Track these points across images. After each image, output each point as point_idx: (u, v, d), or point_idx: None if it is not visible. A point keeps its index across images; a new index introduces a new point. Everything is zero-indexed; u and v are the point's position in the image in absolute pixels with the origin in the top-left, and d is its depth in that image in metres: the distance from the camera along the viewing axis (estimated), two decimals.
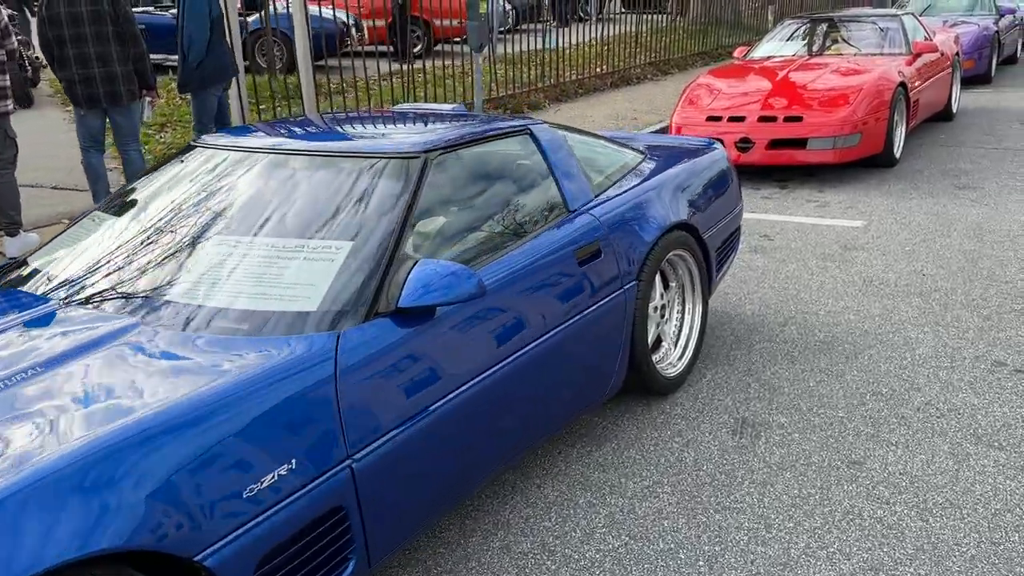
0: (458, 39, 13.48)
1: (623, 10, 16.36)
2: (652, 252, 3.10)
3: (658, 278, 3.28)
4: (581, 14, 19.77)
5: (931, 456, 2.83)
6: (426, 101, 8.49)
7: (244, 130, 2.91)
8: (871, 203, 5.97)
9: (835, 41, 8.16)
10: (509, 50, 10.62)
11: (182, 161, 2.80)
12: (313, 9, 11.23)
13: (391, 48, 13.41)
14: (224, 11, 6.17)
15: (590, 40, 12.06)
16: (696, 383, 3.42)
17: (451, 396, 2.21)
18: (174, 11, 10.58)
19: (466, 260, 2.42)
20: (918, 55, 7.68)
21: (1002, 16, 12.29)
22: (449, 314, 2.25)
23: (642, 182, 3.28)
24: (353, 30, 11.95)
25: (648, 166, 3.49)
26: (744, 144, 6.61)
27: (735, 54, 8.64)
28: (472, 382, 2.28)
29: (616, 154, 3.46)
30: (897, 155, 7.05)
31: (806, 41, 8.25)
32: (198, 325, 2.05)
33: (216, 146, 2.77)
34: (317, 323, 2.05)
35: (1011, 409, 3.11)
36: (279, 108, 7.89)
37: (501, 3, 17.09)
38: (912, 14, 8.49)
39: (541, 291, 2.56)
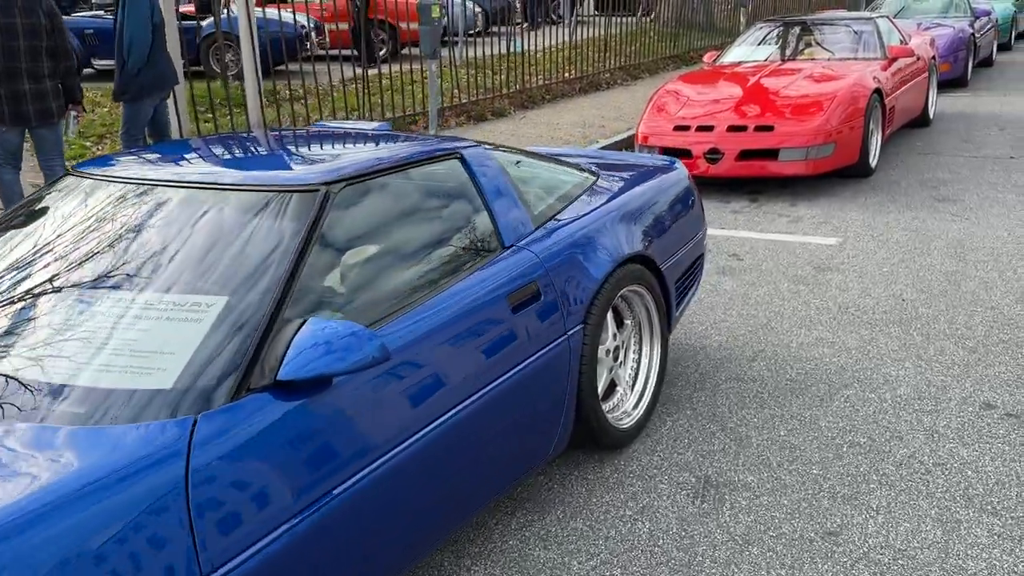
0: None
1: (595, 13, 16.03)
2: (601, 291, 2.73)
3: (611, 316, 2.92)
4: (553, 17, 19.45)
5: (916, 524, 2.49)
6: (383, 109, 8.10)
7: (127, 155, 2.52)
8: (846, 218, 5.65)
9: (808, 45, 7.86)
10: (477, 54, 10.27)
11: (52, 193, 2.41)
12: (272, 12, 10.82)
13: (355, 52, 13.03)
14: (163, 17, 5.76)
15: (560, 44, 11.73)
16: (655, 432, 3.07)
17: (350, 483, 1.83)
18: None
19: (376, 314, 2.05)
20: (893, 60, 7.39)
21: (977, 18, 12.09)
22: (350, 380, 1.88)
23: (591, 210, 2.92)
24: (313, 34, 11.54)
25: (600, 190, 3.13)
26: (713, 155, 6.28)
27: (705, 59, 8.32)
28: (380, 461, 1.90)
29: (563, 177, 3.10)
30: (873, 165, 6.75)
31: (778, 45, 7.95)
32: (11, 410, 1.66)
33: (91, 175, 2.37)
34: (171, 405, 1.66)
35: (1004, 463, 2.78)
36: (221, 117, 7.47)
37: (470, 6, 16.77)
38: (887, 17, 8.21)
39: (467, 345, 2.19)
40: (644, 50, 13.23)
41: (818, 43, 7.84)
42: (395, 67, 9.67)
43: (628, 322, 3.08)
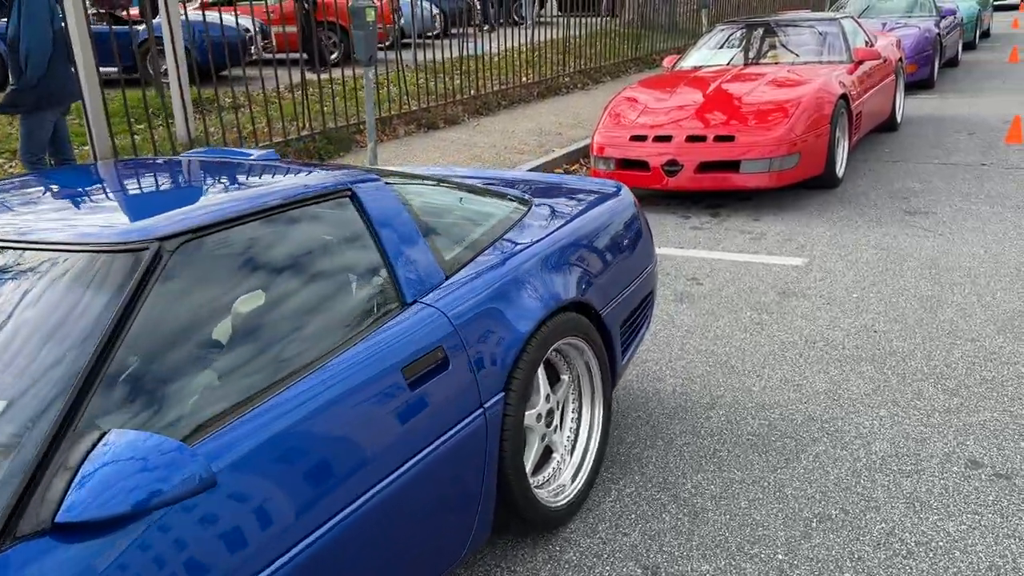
0: (383, 45, 12.60)
1: (559, 13, 15.61)
2: (527, 349, 2.31)
3: (543, 373, 2.50)
4: (516, 18, 19.03)
5: None
6: (325, 117, 7.62)
7: None
8: (812, 234, 5.29)
9: (771, 48, 7.51)
10: (437, 56, 9.82)
11: None
12: (213, 16, 10.29)
13: (304, 56, 12.51)
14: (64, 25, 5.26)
15: (520, 46, 11.32)
16: (597, 506, 2.65)
17: None
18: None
19: (220, 409, 1.61)
20: (860, 63, 7.06)
21: (943, 17, 11.85)
22: (174, 511, 1.43)
23: (519, 249, 2.50)
24: (258, 38, 11.02)
25: (531, 224, 2.71)
26: (671, 167, 5.89)
27: (664, 63, 7.95)
28: None
29: (488, 209, 2.68)
30: (840, 175, 6.40)
31: (740, 48, 7.59)
32: None
33: None
34: None
35: (996, 540, 2.40)
36: (147, 131, 6.95)
37: (427, 7, 16.30)
38: (852, 17, 7.89)
39: (346, 438, 1.76)
40: (606, 52, 12.86)
41: (782, 46, 7.50)
42: (348, 72, 9.19)
43: (565, 378, 2.66)
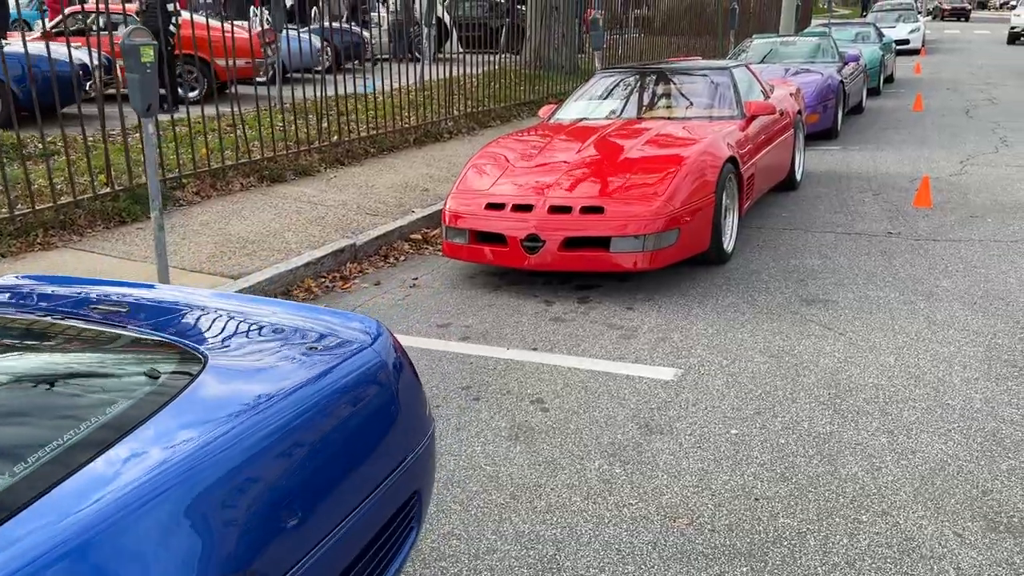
0: (260, 80, 11.40)
1: (461, 50, 14.65)
2: None
3: None
4: (416, 54, 18.08)
5: None
6: (164, 164, 6.41)
7: None
8: (692, 330, 4.36)
9: (656, 100, 6.66)
10: (314, 95, 8.70)
11: None
12: (54, 46, 8.98)
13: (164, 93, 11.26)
14: None
15: (410, 85, 10.34)
16: None
17: None
18: None
19: None
20: (752, 118, 6.25)
21: (846, 63, 11.34)
22: None
23: (145, 474, 1.42)
24: (98, 73, 9.73)
25: (189, 410, 1.64)
26: (532, 243, 4.91)
27: (541, 113, 7.03)
28: None
29: (107, 381, 1.60)
30: (729, 249, 5.53)
31: (622, 99, 6.72)
32: None
33: None
34: None
35: None
36: None
37: (314, 40, 15.16)
38: (745, 66, 7.12)
39: None
40: (500, 94, 11.97)
41: (668, 97, 6.66)
42: (211, 110, 7.95)
43: None
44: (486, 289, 5.19)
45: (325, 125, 8.54)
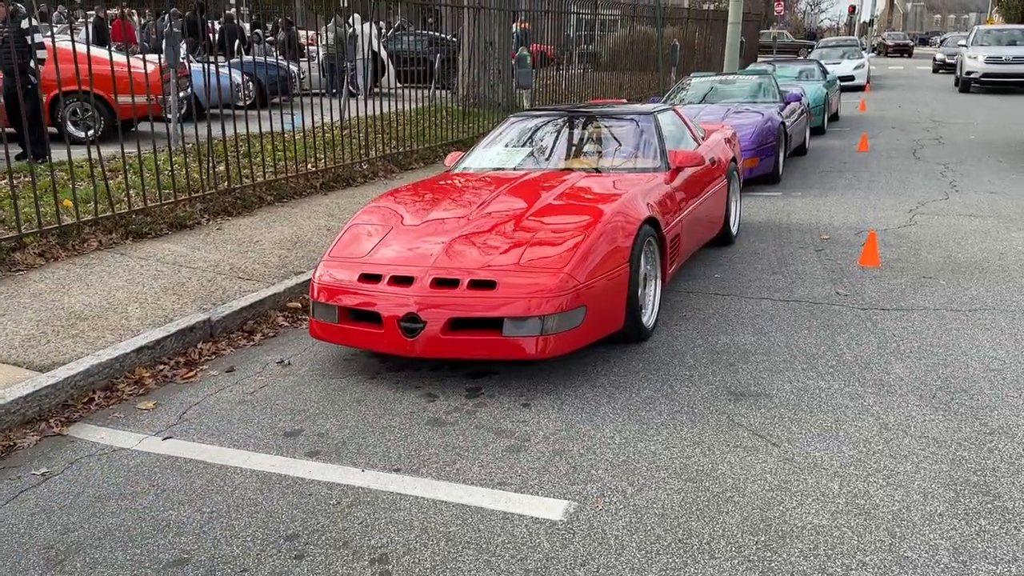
0: (170, 118, 10.44)
1: (399, 85, 13.83)
2: None
3: None
4: (351, 88, 17.24)
5: None
6: (18, 219, 5.46)
7: None
8: (595, 439, 3.55)
9: (572, 148, 5.90)
10: (235, 132, 7.81)
11: None
12: None
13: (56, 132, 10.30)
14: None
15: (332, 123, 9.52)
16: None
17: None
18: None
19: None
20: (678, 170, 5.52)
21: (787, 103, 10.78)
22: None
23: None
24: None
25: None
26: (411, 324, 4.08)
27: (447, 161, 6.23)
28: None
29: None
30: (650, 324, 4.76)
31: (534, 147, 5.95)
32: None
33: None
34: None
35: None
36: None
37: (235, 75, 14.22)
38: (673, 109, 6.41)
39: None
40: (428, 132, 11.17)
41: (585, 145, 5.91)
42: (108, 151, 6.99)
43: None
44: (362, 377, 4.33)
45: (222, 168, 7.66)
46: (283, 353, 4.72)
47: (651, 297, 4.82)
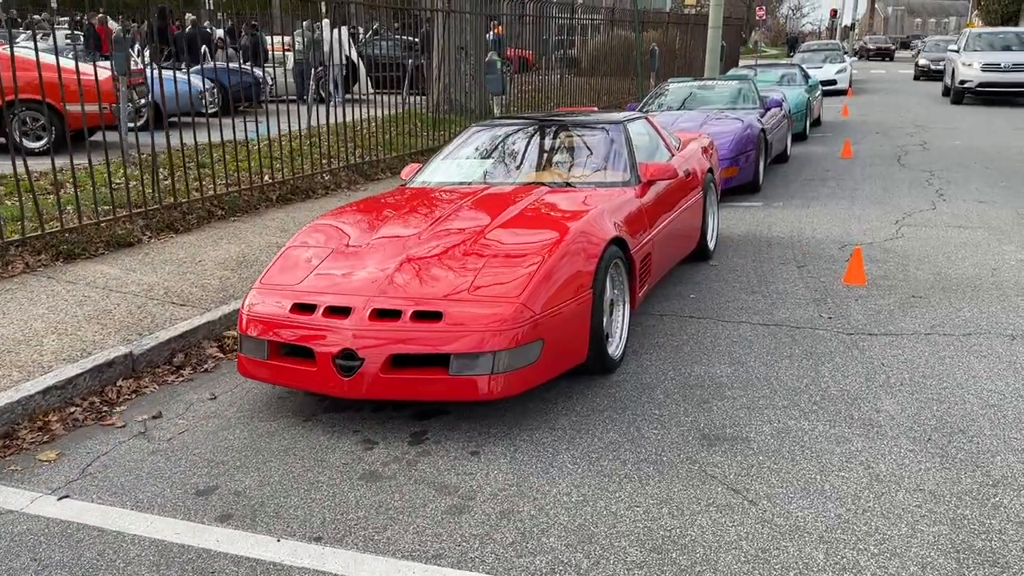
0: (130, 126, 9.95)
1: (373, 91, 13.37)
2: None
3: None
4: (323, 94, 16.75)
5: None
6: None
7: None
8: (549, 495, 3.11)
9: (537, 160, 5.48)
10: (198, 140, 7.34)
11: None
12: None
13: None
14: None
15: (302, 130, 9.08)
16: None
17: None
18: None
19: None
20: (649, 184, 5.12)
21: (768, 109, 10.41)
22: None
23: None
24: None
25: None
26: (347, 361, 3.64)
27: (403, 173, 5.80)
28: None
29: None
30: (617, 355, 4.34)
31: (498, 159, 5.53)
32: None
33: None
34: None
35: None
36: None
37: (195, 81, 13.73)
38: (645, 118, 6.01)
39: None
40: (397, 141, 10.73)
41: (550, 157, 5.49)
42: (61, 161, 6.51)
43: None
44: (295, 419, 3.89)
45: (170, 183, 7.20)
46: (212, 390, 4.28)
47: (619, 325, 4.40)
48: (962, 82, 20.10)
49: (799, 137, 13.57)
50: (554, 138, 5.64)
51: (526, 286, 3.71)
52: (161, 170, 8.06)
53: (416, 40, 14.40)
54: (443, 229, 4.33)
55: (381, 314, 3.71)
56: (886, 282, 5.76)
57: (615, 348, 4.31)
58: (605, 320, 4.16)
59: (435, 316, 3.65)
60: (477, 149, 5.65)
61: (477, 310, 3.64)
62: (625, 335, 4.44)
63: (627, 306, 4.47)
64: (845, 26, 52.04)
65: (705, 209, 6.21)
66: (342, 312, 3.77)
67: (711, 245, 6.48)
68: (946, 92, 22.35)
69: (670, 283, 5.86)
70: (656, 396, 4.00)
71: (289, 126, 8.93)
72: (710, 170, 6.46)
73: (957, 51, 21.33)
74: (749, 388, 4.06)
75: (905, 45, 69.03)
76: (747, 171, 8.87)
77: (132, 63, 10.29)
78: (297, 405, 4.05)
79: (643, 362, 4.44)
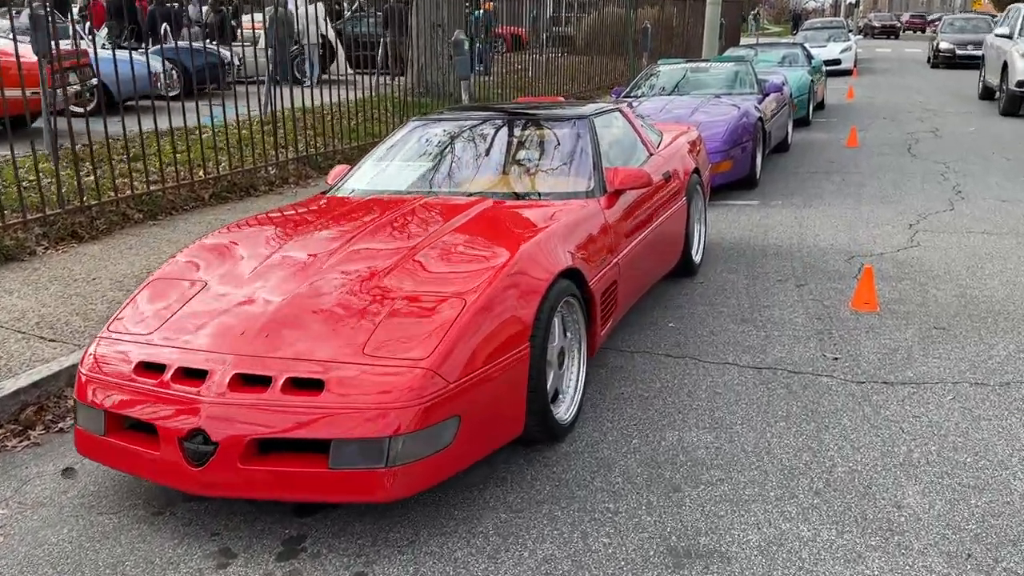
0: (78, 111, 9.00)
1: (351, 71, 12.38)
2: None
3: None
4: (297, 75, 15.73)
5: None
6: None
7: None
8: None
9: (483, 164, 4.55)
10: (158, 127, 6.44)
11: None
12: None
13: None
14: None
15: (267, 114, 8.18)
16: None
17: None
18: None
19: None
20: (618, 193, 4.20)
21: (767, 94, 9.45)
22: None
23: None
24: None
25: None
26: (199, 445, 2.74)
27: (329, 178, 4.86)
28: None
29: None
30: (567, 418, 3.44)
31: (436, 162, 4.61)
32: None
33: None
34: None
35: None
36: None
37: (153, 62, 12.72)
38: (619, 110, 5.07)
39: None
40: (361, 127, 9.78)
41: (499, 159, 4.56)
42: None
43: None
44: (144, 512, 3.01)
45: (92, 179, 6.29)
46: (63, 461, 3.39)
47: (571, 379, 3.50)
48: (1021, 83, 13.11)
49: (801, 122, 12.62)
50: (508, 137, 4.71)
51: (436, 345, 2.80)
52: (86, 164, 7.16)
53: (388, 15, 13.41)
54: (352, 252, 3.43)
55: (246, 380, 2.81)
56: (902, 308, 4.85)
57: (565, 410, 3.42)
58: (551, 376, 3.27)
59: (315, 385, 2.75)
60: (415, 150, 4.72)
61: (371, 377, 2.73)
62: (580, 391, 3.54)
63: (582, 354, 3.57)
64: (850, 3, 50.73)
65: (690, 217, 5.29)
66: (197, 376, 2.87)
67: (697, 258, 5.56)
68: (987, 94, 15.66)
69: (647, 306, 4.96)
70: (613, 480, 3.11)
71: (248, 111, 8.02)
72: (696, 170, 5.52)
73: (1010, 35, 13.99)
74: (733, 468, 3.17)
75: (918, 26, 59.54)
76: (742, 165, 7.93)
77: (76, 43, 9.33)
78: (153, 490, 3.16)
79: (602, 423, 3.55)
